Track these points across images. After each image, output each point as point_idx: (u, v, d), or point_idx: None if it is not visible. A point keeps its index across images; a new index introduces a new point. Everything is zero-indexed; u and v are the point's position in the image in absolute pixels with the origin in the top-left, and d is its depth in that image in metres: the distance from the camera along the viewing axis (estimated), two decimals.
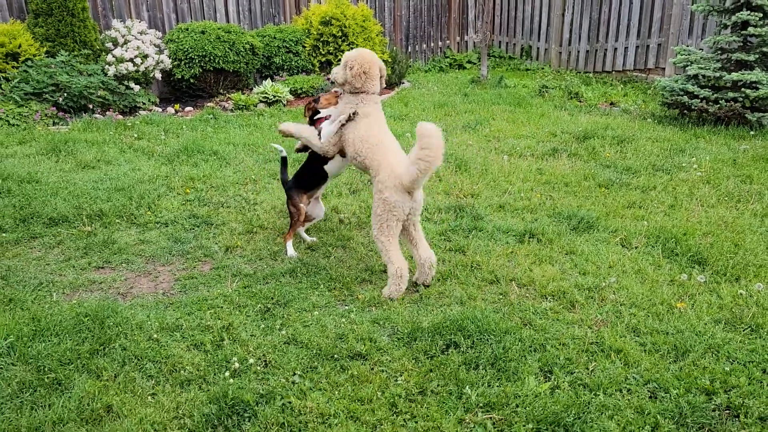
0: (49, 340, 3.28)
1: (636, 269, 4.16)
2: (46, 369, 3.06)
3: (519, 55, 13.34)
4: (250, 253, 4.48)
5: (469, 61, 13.32)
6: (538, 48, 12.94)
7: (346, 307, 3.76)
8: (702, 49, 8.94)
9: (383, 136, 4.04)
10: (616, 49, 11.44)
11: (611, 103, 9.47)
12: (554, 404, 2.80)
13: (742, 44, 7.73)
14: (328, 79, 4.70)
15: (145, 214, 5.09)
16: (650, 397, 2.91)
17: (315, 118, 4.55)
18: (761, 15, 7.40)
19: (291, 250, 4.40)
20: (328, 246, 4.58)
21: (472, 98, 9.63)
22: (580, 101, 9.55)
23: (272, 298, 3.82)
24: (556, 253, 4.42)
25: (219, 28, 9.26)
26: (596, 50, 11.72)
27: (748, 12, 7.39)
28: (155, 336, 3.37)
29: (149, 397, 2.92)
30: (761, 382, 2.97)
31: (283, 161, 4.72)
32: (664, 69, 10.52)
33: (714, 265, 4.15)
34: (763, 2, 7.31)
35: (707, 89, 7.73)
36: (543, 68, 12.29)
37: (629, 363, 3.15)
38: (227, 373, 3.07)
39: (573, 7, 12.03)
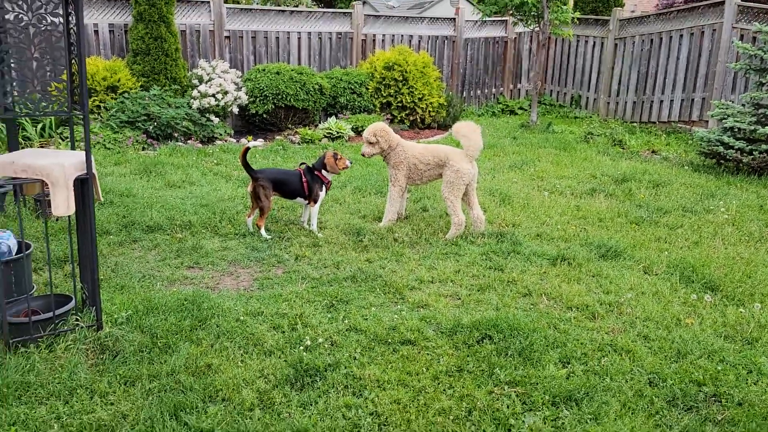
0: (158, 316, 4.07)
1: (653, 291, 4.73)
2: (158, 336, 3.84)
3: (569, 104, 14.02)
4: (317, 262, 5.24)
5: (520, 108, 14.06)
6: (587, 97, 13.60)
7: (398, 307, 4.45)
8: (744, 105, 9.45)
9: (419, 152, 6.04)
10: (662, 101, 12.00)
11: (653, 151, 10.01)
12: (568, 384, 3.41)
13: None
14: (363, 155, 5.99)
15: (226, 226, 5.92)
16: (649, 383, 3.49)
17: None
18: None
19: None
20: (384, 260, 5.30)
21: (521, 141, 10.32)
22: (623, 148, 10.13)
23: (336, 297, 4.55)
24: (584, 274, 5.03)
25: (292, 70, 10.27)
26: (643, 102, 12.30)
27: None
28: (241, 318, 4.13)
29: (239, 361, 3.65)
30: (746, 379, 3.52)
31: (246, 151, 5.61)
32: (707, 122, 11.01)
33: (724, 291, 4.69)
34: None
35: (742, 141, 8.23)
36: (591, 117, 12.91)
37: (635, 360, 3.73)
38: (301, 348, 3.78)
39: (622, 61, 12.68)
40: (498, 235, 5.89)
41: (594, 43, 13.29)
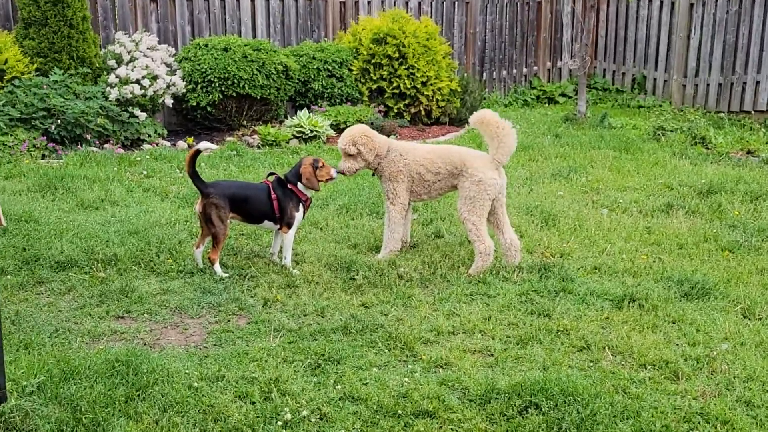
0: (81, 384, 4.21)
1: (757, 341, 4.93)
2: (82, 409, 3.98)
3: (629, 88, 14.36)
4: (293, 308, 5.40)
5: (562, 94, 14.38)
6: (654, 79, 13.94)
7: (409, 367, 4.61)
8: None
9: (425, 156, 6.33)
10: (758, 82, 12.34)
11: (748, 152, 10.29)
12: None
13: None
14: (342, 172, 6.23)
15: (166, 261, 6.08)
16: None
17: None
18: None
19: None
20: (385, 303, 5.47)
21: (566, 140, 10.58)
22: (707, 148, 10.41)
23: (323, 355, 4.70)
24: (661, 320, 5.23)
25: (246, 45, 10.52)
26: (732, 83, 12.64)
27: None
28: (195, 384, 4.27)
29: None
30: None
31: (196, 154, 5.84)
32: None
33: None
34: None
35: None
36: (661, 105, 13.24)
37: None
38: (279, 423, 3.93)
39: (701, 27, 13.04)
40: (541, 268, 6.07)
41: (662, 3, 13.67)
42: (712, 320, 5.24)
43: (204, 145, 5.93)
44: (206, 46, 10.49)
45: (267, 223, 6.11)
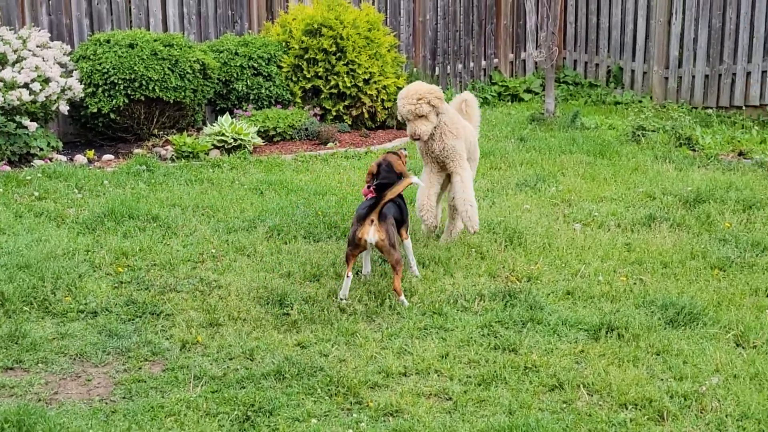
0: None
1: (752, 373, 5.05)
2: None
3: (604, 82, 14.59)
4: (216, 351, 5.41)
5: (528, 90, 14.55)
6: (632, 71, 14.19)
7: (354, 416, 4.64)
8: None
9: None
10: (749, 73, 12.63)
11: (740, 153, 10.52)
12: None
13: None
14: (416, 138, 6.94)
15: (64, 300, 6.05)
16: None
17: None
18: None
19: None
20: (325, 342, 5.50)
21: (532, 144, 10.71)
22: (694, 150, 10.62)
23: (252, 405, 4.72)
24: (642, 352, 5.33)
25: (155, 40, 10.49)
26: (720, 75, 12.92)
27: None
28: None
29: None
30: None
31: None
32: None
33: None
34: None
35: None
36: (640, 101, 13.48)
37: None
38: None
39: (683, 11, 13.31)
40: (505, 295, 6.14)
41: None
42: (701, 350, 5.35)
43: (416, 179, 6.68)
44: (108, 42, 10.43)
45: None
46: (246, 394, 4.84)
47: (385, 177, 6.43)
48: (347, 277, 6.05)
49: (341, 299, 6.04)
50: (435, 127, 6.93)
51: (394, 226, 6.18)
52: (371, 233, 5.98)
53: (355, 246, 6.08)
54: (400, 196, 6.35)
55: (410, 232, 6.71)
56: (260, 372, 5.10)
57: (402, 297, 6.03)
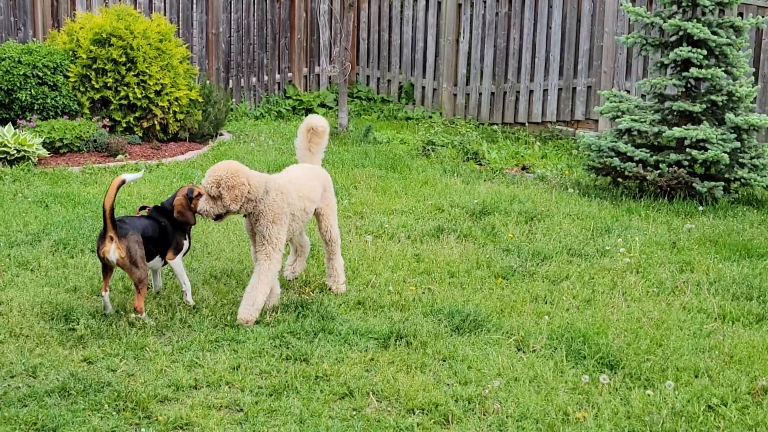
0: None
1: (531, 375, 5.31)
2: None
3: (396, 97, 14.94)
4: None
5: (322, 104, 14.71)
6: (423, 87, 14.60)
7: (143, 431, 4.57)
8: (643, 96, 10.74)
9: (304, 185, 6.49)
10: (531, 91, 13.24)
11: (523, 168, 11.01)
12: None
13: (684, 90, 9.54)
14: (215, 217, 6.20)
15: None
16: None
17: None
18: (705, 53, 9.23)
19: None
20: (113, 357, 5.39)
21: (325, 158, 10.78)
22: (480, 164, 11.04)
23: (35, 424, 4.59)
24: (430, 358, 5.50)
25: None
26: (504, 93, 13.48)
27: (689, 48, 9.21)
28: None
29: None
30: None
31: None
32: (597, 121, 12.34)
33: (627, 367, 5.39)
34: (705, 36, 9.15)
35: (644, 149, 9.39)
36: (431, 116, 13.87)
37: None
38: None
39: (470, 30, 13.83)
40: (298, 306, 6.21)
41: (427, 2, 14.34)
42: (485, 355, 5.56)
43: (129, 176, 6.14)
44: None
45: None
46: (28, 412, 4.69)
47: (168, 203, 6.36)
48: (102, 294, 6.01)
49: (106, 314, 5.99)
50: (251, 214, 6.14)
51: (140, 244, 5.94)
52: (111, 250, 5.85)
53: (102, 263, 5.98)
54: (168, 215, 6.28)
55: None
56: (44, 389, 4.95)
57: (143, 315, 5.90)
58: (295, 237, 6.69)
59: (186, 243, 6.42)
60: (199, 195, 6.16)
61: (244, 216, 6.19)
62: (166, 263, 6.31)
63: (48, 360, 5.33)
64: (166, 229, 6.24)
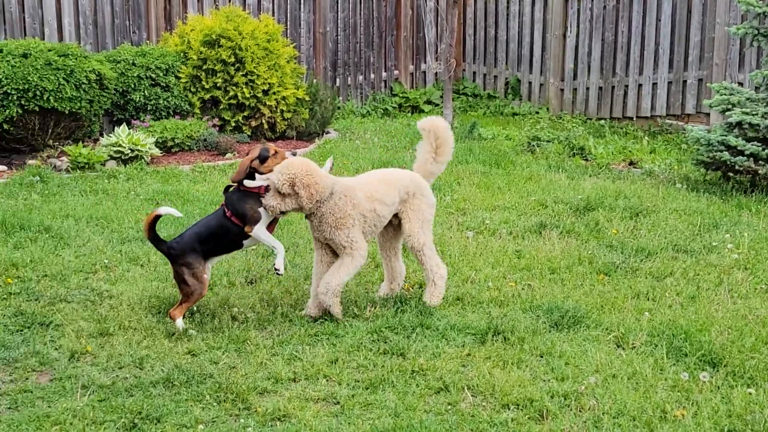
0: None
1: (630, 372, 5.25)
2: None
3: (503, 93, 14.90)
4: (106, 360, 5.41)
5: (428, 102, 14.77)
6: (530, 83, 14.53)
7: (241, 422, 4.70)
8: (757, 88, 10.45)
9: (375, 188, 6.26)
10: (640, 85, 13.04)
11: (630, 162, 10.86)
12: None
13: None
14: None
15: None
16: None
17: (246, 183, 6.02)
18: None
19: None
20: (216, 349, 5.54)
21: None
22: (587, 159, 10.93)
23: (140, 413, 4.75)
24: (527, 354, 5.49)
25: (50, 50, 10.39)
26: (612, 87, 13.32)
27: None
28: None
29: None
30: None
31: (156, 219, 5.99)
32: (708, 115, 12.08)
33: (729, 365, 5.27)
34: None
35: (756, 143, 9.15)
36: (537, 112, 13.80)
37: None
38: None
39: (577, 24, 13.69)
40: (396, 301, 6.26)
41: None
42: (583, 352, 5.52)
43: (165, 210, 6.10)
44: (0, 51, 10.29)
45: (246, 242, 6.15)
46: (134, 401, 4.86)
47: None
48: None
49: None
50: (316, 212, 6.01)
51: (188, 264, 5.89)
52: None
53: None
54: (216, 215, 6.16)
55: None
56: (149, 380, 5.13)
57: (177, 321, 5.84)
58: (386, 258, 6.56)
59: (263, 212, 6.01)
60: (276, 153, 6.06)
61: (306, 217, 6.12)
62: (247, 237, 6.05)
63: (154, 352, 5.51)
64: (224, 222, 6.02)
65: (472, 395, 5.01)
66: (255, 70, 11.44)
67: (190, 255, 5.94)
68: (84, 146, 10.15)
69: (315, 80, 13.01)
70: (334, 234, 6.01)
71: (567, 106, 13.92)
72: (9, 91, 10.06)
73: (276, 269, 6.05)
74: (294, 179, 5.81)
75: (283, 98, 11.72)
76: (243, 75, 11.42)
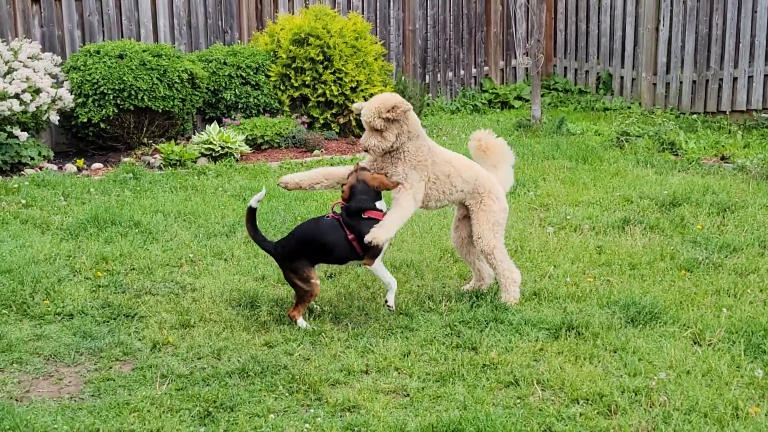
0: None
1: (705, 369, 5.19)
2: None
3: (594, 88, 14.73)
4: (186, 351, 5.57)
5: (518, 97, 14.70)
6: (621, 77, 14.33)
7: (311, 412, 4.81)
8: None
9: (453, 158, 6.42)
10: (735, 79, 12.75)
11: (722, 157, 10.65)
12: None
13: None
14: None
15: (42, 303, 6.23)
16: None
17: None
18: None
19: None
20: (292, 341, 5.66)
21: (516, 150, 10.75)
22: (676, 154, 10.76)
23: (214, 402, 4.90)
24: (600, 349, 5.48)
25: (144, 51, 10.69)
26: (706, 81, 13.06)
27: None
28: None
29: None
30: None
31: (252, 213, 6.07)
32: None
33: None
34: None
35: None
36: (629, 107, 13.61)
37: None
38: None
39: (670, 17, 13.46)
40: (472, 296, 6.30)
41: None
42: (657, 348, 5.49)
43: (255, 200, 6.13)
44: (98, 53, 10.63)
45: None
46: (210, 391, 5.01)
47: (361, 200, 6.01)
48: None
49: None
50: (395, 151, 6.10)
51: (295, 269, 5.92)
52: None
53: None
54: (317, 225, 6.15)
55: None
56: (226, 370, 5.27)
57: (298, 320, 5.93)
58: (470, 263, 6.60)
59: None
60: (364, 169, 6.11)
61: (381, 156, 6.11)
62: (355, 258, 6.10)
63: (232, 343, 5.65)
64: (342, 242, 5.99)
65: (541, 389, 5.02)
66: (343, 68, 11.57)
67: (297, 261, 5.97)
68: (176, 144, 10.43)
69: (404, 77, 13.08)
70: (410, 173, 6.08)
71: (659, 101, 13.69)
72: (105, 91, 10.38)
73: (388, 306, 6.08)
74: (395, 106, 5.93)
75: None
76: (331, 73, 11.56)
